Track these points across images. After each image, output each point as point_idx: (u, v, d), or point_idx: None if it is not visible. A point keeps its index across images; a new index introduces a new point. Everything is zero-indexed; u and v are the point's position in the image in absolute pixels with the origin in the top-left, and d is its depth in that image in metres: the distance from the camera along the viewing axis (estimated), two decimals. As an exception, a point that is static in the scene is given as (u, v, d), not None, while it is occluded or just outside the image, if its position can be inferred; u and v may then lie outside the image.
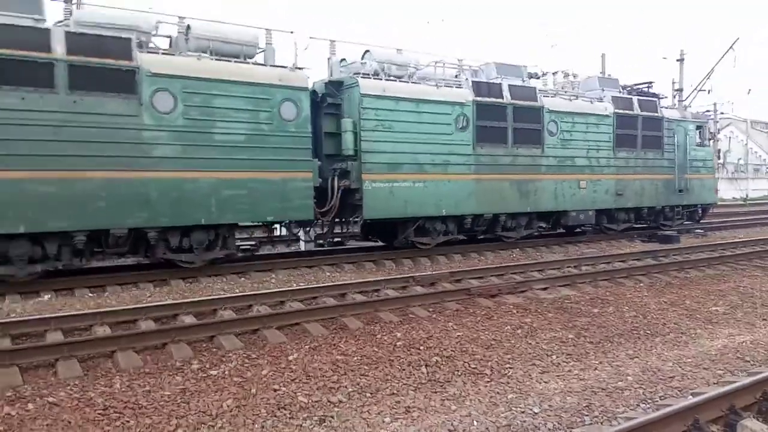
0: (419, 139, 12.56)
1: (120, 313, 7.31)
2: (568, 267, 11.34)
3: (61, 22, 9.72)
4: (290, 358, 6.01)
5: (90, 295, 9.18)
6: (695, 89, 24.57)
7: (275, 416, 4.71)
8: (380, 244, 14.03)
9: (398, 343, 6.50)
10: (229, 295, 8.58)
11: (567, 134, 14.98)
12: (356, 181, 11.94)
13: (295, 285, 9.75)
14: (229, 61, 10.74)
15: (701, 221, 19.43)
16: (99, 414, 4.64)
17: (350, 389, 5.26)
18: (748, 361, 6.09)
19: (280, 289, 8.93)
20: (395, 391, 5.26)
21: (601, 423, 4.62)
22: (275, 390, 5.19)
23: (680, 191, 17.72)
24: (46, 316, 7.10)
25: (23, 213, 8.82)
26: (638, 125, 16.62)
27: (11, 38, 8.65)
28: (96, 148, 9.31)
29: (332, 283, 9.47)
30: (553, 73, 16.36)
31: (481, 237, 14.66)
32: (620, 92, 17.11)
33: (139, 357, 5.95)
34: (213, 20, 11.01)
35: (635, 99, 16.85)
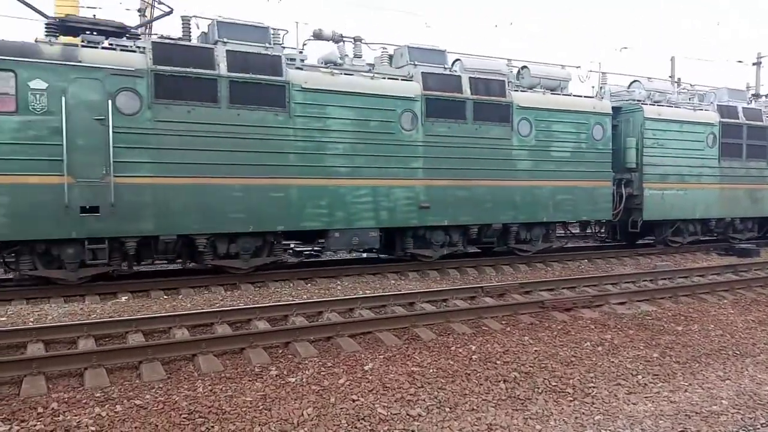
0: (681, 153, 15.18)
1: (196, 317, 7.48)
2: (644, 281, 10.89)
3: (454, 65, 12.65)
4: (366, 367, 5.97)
5: (165, 297, 9.44)
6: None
7: (356, 427, 4.67)
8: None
9: (473, 356, 6.36)
10: (299, 301, 8.65)
11: None
12: (637, 189, 14.57)
13: (361, 292, 9.75)
14: (556, 93, 13.44)
15: None
16: (184, 418, 4.72)
17: (428, 403, 5.16)
18: None
19: (348, 297, 8.94)
20: (475, 407, 5.12)
21: (700, 451, 4.36)
22: (354, 400, 5.15)
23: None
24: (127, 318, 7.34)
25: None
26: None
27: (255, 64, 10.15)
28: (485, 163, 12.24)
29: (398, 292, 9.41)
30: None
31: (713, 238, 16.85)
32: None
33: (219, 361, 6.04)
34: (538, 62, 13.80)
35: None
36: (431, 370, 5.93)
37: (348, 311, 8.28)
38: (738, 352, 6.87)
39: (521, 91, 12.88)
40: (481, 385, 5.62)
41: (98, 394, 5.18)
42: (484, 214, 12.29)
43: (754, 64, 27.15)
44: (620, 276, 11.17)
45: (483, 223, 12.41)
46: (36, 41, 9.10)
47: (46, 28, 9.47)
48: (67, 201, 8.84)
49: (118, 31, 9.91)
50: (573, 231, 14.88)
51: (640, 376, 5.94)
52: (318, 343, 6.78)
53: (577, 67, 14.55)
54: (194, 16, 10.54)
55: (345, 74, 11.15)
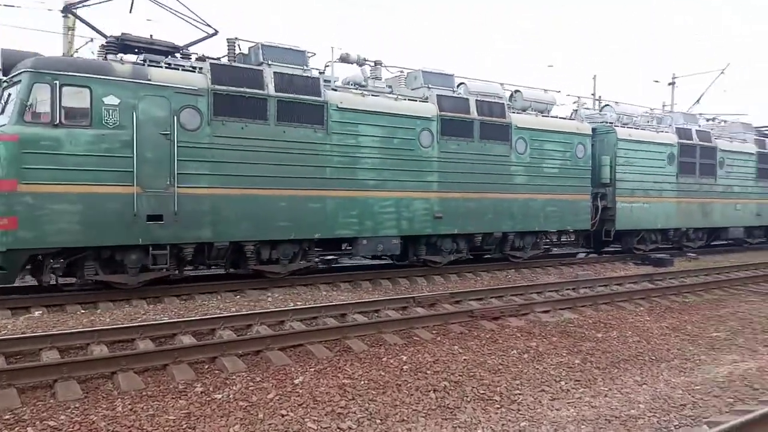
0: (647, 171, 17.02)
1: (116, 332, 7.13)
2: (567, 289, 11.32)
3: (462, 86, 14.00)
4: (296, 381, 5.87)
5: (82, 311, 8.96)
6: (670, 111, 24.90)
7: (285, 443, 4.57)
8: (385, 262, 13.95)
9: (405, 367, 6.39)
10: (227, 314, 8.42)
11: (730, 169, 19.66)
12: (611, 202, 16.25)
13: (292, 304, 9.61)
14: (545, 116, 15.04)
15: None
16: (102, 440, 4.48)
17: (359, 415, 5.14)
18: (758, 389, 6.04)
19: (279, 309, 8.79)
20: (405, 418, 5.14)
21: (619, 454, 4.54)
22: (283, 415, 5.05)
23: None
24: (41, 334, 6.91)
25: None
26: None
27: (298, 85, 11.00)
28: (489, 178, 13.57)
29: (330, 303, 9.34)
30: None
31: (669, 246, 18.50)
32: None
33: (140, 379, 5.78)
34: (527, 86, 15.33)
35: None
36: (362, 382, 5.91)
37: (278, 324, 8.13)
38: (654, 358, 7.23)
39: (517, 113, 14.37)
40: (411, 395, 5.65)
41: (7, 416, 4.84)
42: (488, 223, 13.64)
43: (669, 84, 28.97)
44: (545, 285, 11.56)
45: (486, 231, 13.74)
46: (108, 60, 9.67)
47: (104, 46, 10.02)
48: (136, 210, 9.35)
49: (170, 50, 10.51)
50: (550, 239, 16.47)
51: (563, 382, 6.14)
52: (247, 357, 6.62)
53: (558, 92, 16.56)
54: (236, 38, 11.11)
55: (372, 95, 12.21)
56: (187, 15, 10.72)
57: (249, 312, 8.46)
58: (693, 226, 18.59)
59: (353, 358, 6.70)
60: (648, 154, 17.06)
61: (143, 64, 9.78)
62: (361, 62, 12.83)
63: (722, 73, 22.53)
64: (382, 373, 6.20)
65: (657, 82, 27.66)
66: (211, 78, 10.07)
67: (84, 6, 10.47)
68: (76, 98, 9.00)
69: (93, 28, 10.33)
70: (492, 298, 10.28)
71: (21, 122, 8.65)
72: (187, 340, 7.10)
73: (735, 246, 20.94)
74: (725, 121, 21.39)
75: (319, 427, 4.87)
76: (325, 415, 5.10)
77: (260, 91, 10.48)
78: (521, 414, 5.31)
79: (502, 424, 5.07)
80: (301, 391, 5.60)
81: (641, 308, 10.06)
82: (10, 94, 9.03)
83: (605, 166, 16.34)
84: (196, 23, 10.86)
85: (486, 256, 14.57)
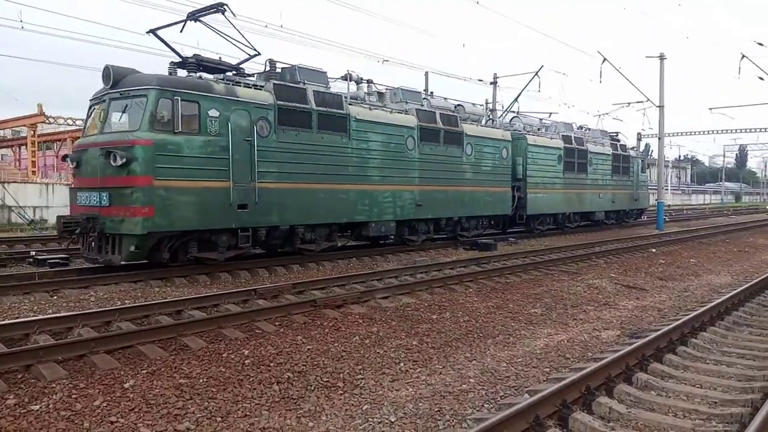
0: (546, 169, 22.18)
1: None
2: (405, 275, 11.82)
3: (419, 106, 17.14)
4: (126, 385, 5.45)
5: None
6: (506, 110, 27.15)
7: (115, 452, 4.23)
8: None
9: (247, 361, 6.23)
10: (43, 316, 7.56)
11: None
12: (523, 193, 21.05)
13: (120, 303, 8.91)
14: (480, 125, 19.76)
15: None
16: None
17: (198, 415, 4.91)
18: (569, 358, 6.82)
19: (104, 309, 8.09)
20: (248, 413, 5.02)
21: (453, 426, 4.85)
22: (112, 422, 4.67)
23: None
24: None
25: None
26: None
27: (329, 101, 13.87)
28: (451, 174, 17.51)
29: (164, 300, 8.82)
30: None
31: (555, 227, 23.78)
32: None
33: (-68, 397, 4.98)
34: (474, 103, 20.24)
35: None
36: (201, 380, 5.66)
37: (104, 325, 7.49)
38: (481, 335, 7.82)
39: (464, 123, 18.33)
40: (254, 389, 5.52)
41: None
42: (450, 210, 17.58)
43: (491, 83, 31.29)
44: (385, 272, 11.97)
45: (449, 216, 17.58)
46: (207, 80, 11.86)
47: (181, 65, 12.15)
48: (231, 200, 11.60)
49: (229, 69, 12.90)
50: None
51: (402, 364, 6.41)
52: (68, 363, 6.00)
53: (481, 105, 21.00)
54: (277, 61, 13.74)
55: (374, 109, 15.45)
56: (236, 39, 12.67)
57: (70, 313, 7.69)
58: (573, 211, 24.32)
59: (191, 357, 6.39)
60: (546, 156, 22.20)
61: (231, 84, 12.09)
62: (358, 80, 16.22)
63: (536, 75, 24.79)
64: (223, 370, 5.99)
65: (481, 80, 29.87)
66: (275, 95, 12.56)
67: (163, 29, 12.36)
68: (189, 111, 11.06)
69: (171, 48, 12.25)
70: (335, 286, 10.41)
71: (152, 130, 10.61)
72: (-6, 348, 6.26)
73: (594, 226, 26.74)
74: (590, 129, 27.60)
75: (153, 431, 4.57)
76: (161, 417, 4.81)
77: (306, 106, 13.18)
78: (363, 398, 5.45)
79: (345, 409, 5.16)
80: (132, 395, 5.21)
81: (470, 290, 10.83)
82: (126, 105, 10.98)
83: (519, 165, 20.99)
84: (243, 46, 12.82)
85: (447, 236, 18.43)
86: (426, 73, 46.35)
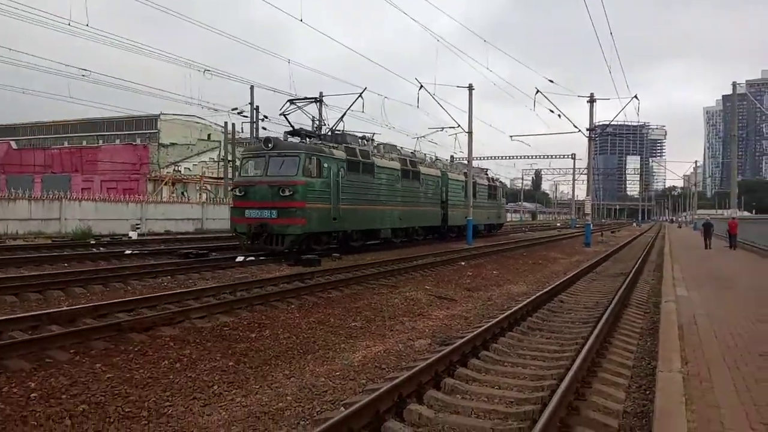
0: (455, 194, 32.61)
1: None
2: (224, 293, 11.33)
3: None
4: None
5: None
6: (331, 129, 27.67)
7: None
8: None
9: (32, 395, 5.46)
10: None
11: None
12: (446, 211, 31.20)
13: None
14: (427, 165, 30.60)
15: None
16: None
17: (-36, 463, 4.18)
18: (384, 369, 7.01)
19: None
20: (29, 455, 4.38)
21: (267, 448, 4.69)
22: None
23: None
24: None
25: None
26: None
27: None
28: (414, 199, 27.51)
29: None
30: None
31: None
32: (486, 175, 41.75)
33: None
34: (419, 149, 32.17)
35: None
36: (-30, 422, 4.83)
37: None
38: (302, 351, 7.74)
39: (420, 165, 28.61)
40: (41, 426, 4.86)
41: None
42: (414, 221, 27.41)
43: (316, 101, 31.67)
44: (202, 290, 11.35)
45: (413, 226, 27.37)
46: (321, 146, 20.47)
47: (291, 133, 21.46)
48: (331, 215, 19.89)
49: (315, 136, 22.42)
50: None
51: (215, 387, 6.09)
52: None
53: (426, 153, 32.50)
54: (340, 131, 23.78)
55: (381, 158, 24.42)
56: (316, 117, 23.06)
57: None
58: (476, 222, 33.82)
59: (-42, 395, 5.44)
60: (457, 186, 32.62)
61: (330, 147, 20.71)
62: (368, 138, 24.88)
63: (360, 96, 25.58)
64: (2, 406, 5.18)
65: (307, 98, 30.52)
66: (345, 153, 21.14)
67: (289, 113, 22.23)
68: (317, 164, 19.34)
69: (289, 123, 22.21)
70: (144, 308, 9.61)
71: (303, 175, 18.60)
72: None
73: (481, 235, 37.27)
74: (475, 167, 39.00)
75: None
76: None
77: (358, 159, 21.90)
78: (170, 426, 5.06)
79: (149, 441, 4.74)
80: None
81: (292, 306, 10.71)
82: (283, 161, 18.81)
83: (443, 192, 30.82)
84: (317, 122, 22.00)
85: (402, 240, 27.31)
86: (251, 87, 45.58)
